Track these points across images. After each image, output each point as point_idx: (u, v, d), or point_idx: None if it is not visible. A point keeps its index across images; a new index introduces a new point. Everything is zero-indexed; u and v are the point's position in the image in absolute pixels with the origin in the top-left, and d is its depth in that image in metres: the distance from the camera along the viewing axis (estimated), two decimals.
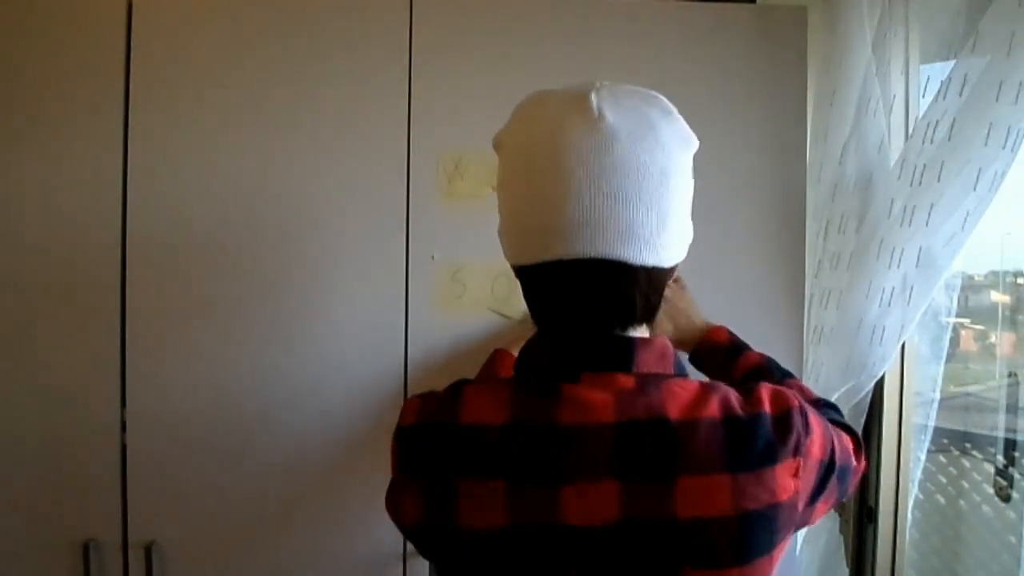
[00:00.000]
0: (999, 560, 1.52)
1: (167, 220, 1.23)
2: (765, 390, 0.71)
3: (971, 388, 1.70)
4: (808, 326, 1.38)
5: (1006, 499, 1.51)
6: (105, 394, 1.21)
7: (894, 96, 1.34)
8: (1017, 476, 1.50)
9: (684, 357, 0.98)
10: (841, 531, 1.46)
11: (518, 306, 1.23)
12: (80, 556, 1.19)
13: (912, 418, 1.43)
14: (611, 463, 0.66)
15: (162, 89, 1.22)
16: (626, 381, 0.69)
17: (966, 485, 1.61)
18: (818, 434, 0.72)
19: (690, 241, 0.76)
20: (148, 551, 1.20)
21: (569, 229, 0.67)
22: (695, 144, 0.75)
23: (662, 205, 0.69)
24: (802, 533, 1.46)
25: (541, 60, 1.29)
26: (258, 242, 1.25)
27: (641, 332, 0.74)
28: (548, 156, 0.68)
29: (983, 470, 1.58)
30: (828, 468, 0.73)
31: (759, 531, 0.67)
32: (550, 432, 0.67)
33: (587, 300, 0.70)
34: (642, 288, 0.70)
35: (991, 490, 1.54)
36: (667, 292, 0.84)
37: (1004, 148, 1.14)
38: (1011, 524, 1.50)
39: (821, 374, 1.35)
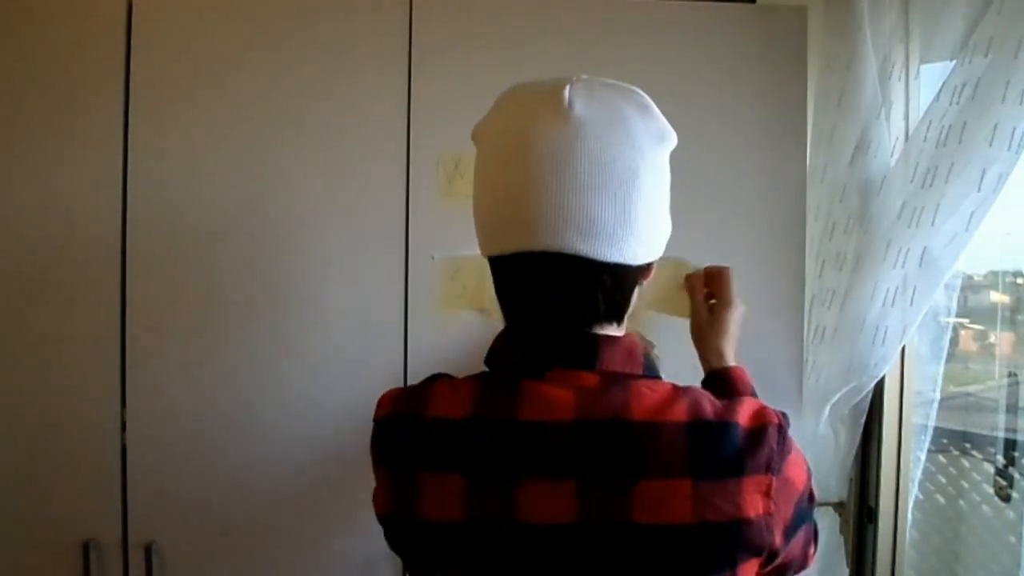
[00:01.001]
0: (999, 560, 1.52)
1: (167, 220, 1.23)
2: (747, 403, 0.69)
3: (971, 388, 1.70)
4: (809, 326, 1.38)
5: (1006, 499, 1.51)
6: (105, 394, 1.21)
7: (896, 97, 1.34)
8: (1017, 476, 1.50)
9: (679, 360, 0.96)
10: (841, 531, 1.46)
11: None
12: (80, 556, 1.19)
13: (912, 418, 1.43)
14: (569, 462, 0.65)
15: (162, 89, 1.22)
16: (589, 379, 0.68)
17: (966, 485, 1.61)
18: (798, 462, 0.69)
19: (666, 238, 0.74)
20: (148, 551, 1.20)
21: (532, 221, 0.66)
22: (671, 140, 0.73)
23: (629, 201, 0.67)
24: None
25: (541, 60, 1.28)
26: (258, 242, 1.24)
27: (610, 330, 0.72)
28: (517, 147, 0.68)
29: (983, 470, 1.58)
30: (805, 509, 0.70)
31: (720, 546, 0.63)
32: (508, 428, 0.67)
33: (550, 295, 0.69)
34: (605, 285, 0.69)
35: (991, 490, 1.54)
36: (735, 316, 0.86)
37: (1008, 149, 1.13)
38: (1011, 524, 1.50)
39: (822, 374, 1.35)
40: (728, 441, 0.65)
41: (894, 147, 1.31)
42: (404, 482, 0.69)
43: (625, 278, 0.70)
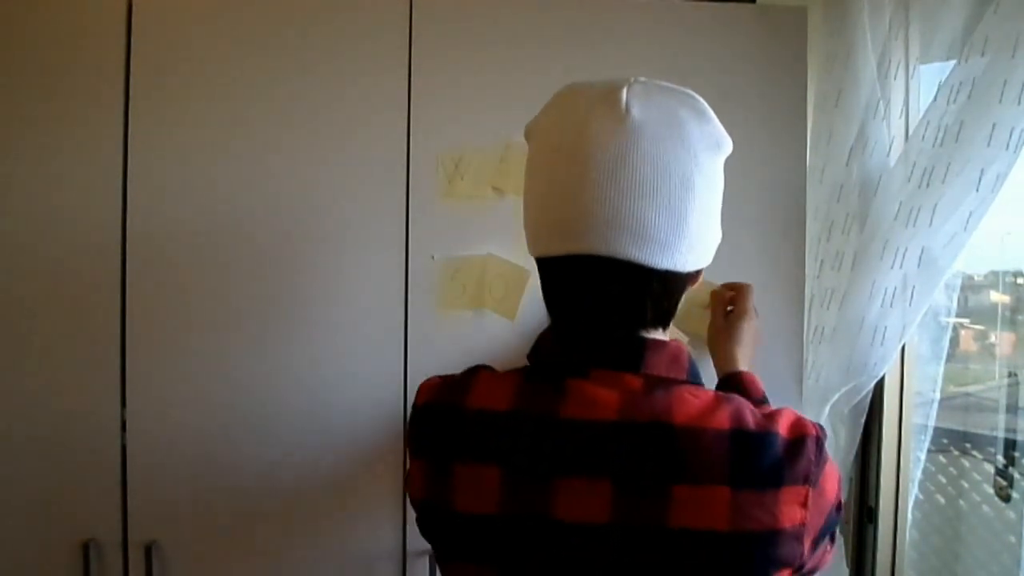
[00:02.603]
0: (999, 560, 1.52)
1: (167, 220, 1.23)
2: (787, 413, 0.69)
3: (971, 388, 1.70)
4: (809, 326, 1.38)
5: (1006, 499, 1.51)
6: (105, 394, 1.21)
7: (895, 97, 1.34)
8: (1017, 476, 1.50)
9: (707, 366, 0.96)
10: (841, 531, 1.46)
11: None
12: (80, 556, 1.19)
13: (912, 418, 1.43)
14: (607, 462, 0.65)
15: (162, 89, 1.22)
16: (634, 382, 0.68)
17: (966, 485, 1.61)
18: (832, 473, 0.70)
19: (716, 245, 0.74)
20: (148, 551, 1.20)
21: (584, 224, 0.66)
22: (727, 147, 0.73)
23: (682, 208, 0.66)
24: None
25: (541, 60, 1.29)
26: (258, 242, 1.24)
27: (656, 334, 0.72)
28: (570, 147, 0.67)
29: (983, 470, 1.58)
30: (834, 519, 0.70)
31: (754, 556, 0.63)
32: (549, 423, 0.67)
33: (598, 300, 0.69)
34: (654, 292, 0.69)
35: (991, 490, 1.54)
36: (749, 327, 0.87)
37: (1007, 149, 1.13)
38: (1011, 524, 1.50)
39: (822, 374, 1.35)
40: (769, 451, 0.65)
41: (891, 147, 1.31)
42: (440, 471, 0.69)
43: (675, 285, 0.71)
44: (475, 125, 1.25)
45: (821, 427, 0.70)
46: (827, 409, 1.35)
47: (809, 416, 1.35)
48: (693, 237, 0.68)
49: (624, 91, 0.68)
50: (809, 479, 0.65)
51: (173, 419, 1.23)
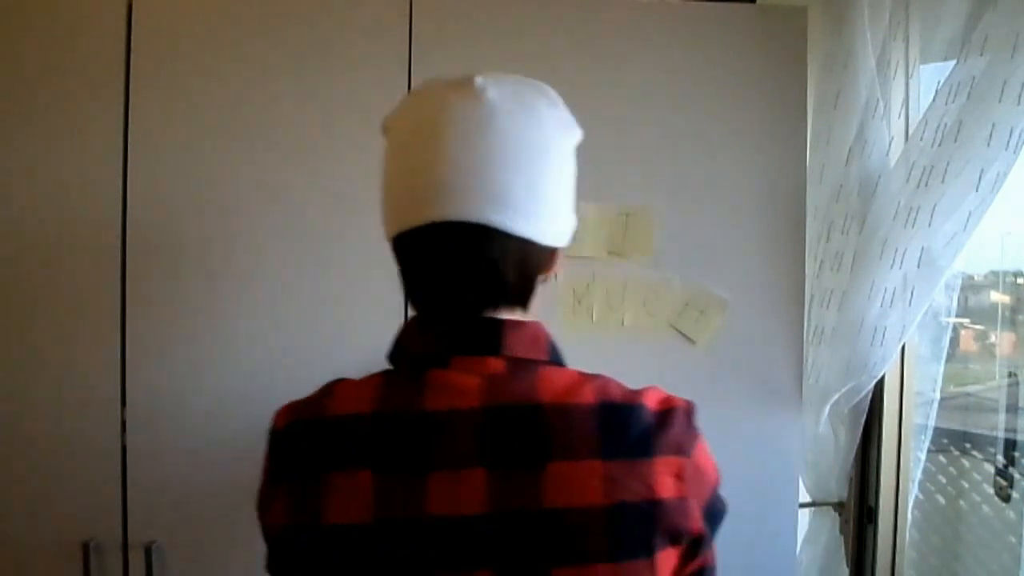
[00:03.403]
0: (999, 560, 1.53)
1: (167, 219, 1.23)
2: (654, 389, 0.69)
3: (971, 388, 1.70)
4: (808, 326, 1.38)
5: (1006, 499, 1.51)
6: (105, 394, 1.21)
7: (895, 97, 1.34)
8: (1017, 476, 1.50)
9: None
10: (841, 531, 1.46)
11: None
12: (80, 556, 1.19)
13: (912, 418, 1.43)
14: (478, 450, 0.63)
15: (161, 87, 1.22)
16: (496, 365, 0.67)
17: (966, 485, 1.61)
18: (707, 452, 0.69)
19: (571, 228, 0.74)
20: (148, 551, 1.20)
21: (440, 191, 0.66)
22: (577, 132, 0.74)
23: (537, 175, 0.67)
24: (802, 532, 1.47)
25: (541, 58, 1.29)
26: (258, 240, 1.24)
27: (515, 315, 0.71)
28: (427, 129, 0.68)
29: (983, 470, 1.58)
30: (720, 506, 0.69)
31: (633, 527, 0.62)
32: (416, 419, 0.65)
33: (456, 272, 0.68)
34: (514, 258, 0.68)
35: (991, 490, 1.55)
36: None
37: (1006, 149, 1.14)
38: (1011, 524, 1.50)
39: (821, 374, 1.35)
40: (637, 422, 0.65)
41: (891, 147, 1.31)
42: (307, 488, 0.65)
43: (533, 257, 0.70)
44: None
45: (690, 402, 0.70)
46: (827, 409, 1.35)
47: (810, 416, 1.37)
48: (549, 207, 0.69)
49: (478, 78, 0.70)
50: (682, 449, 0.66)
51: (173, 420, 1.23)
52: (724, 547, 1.43)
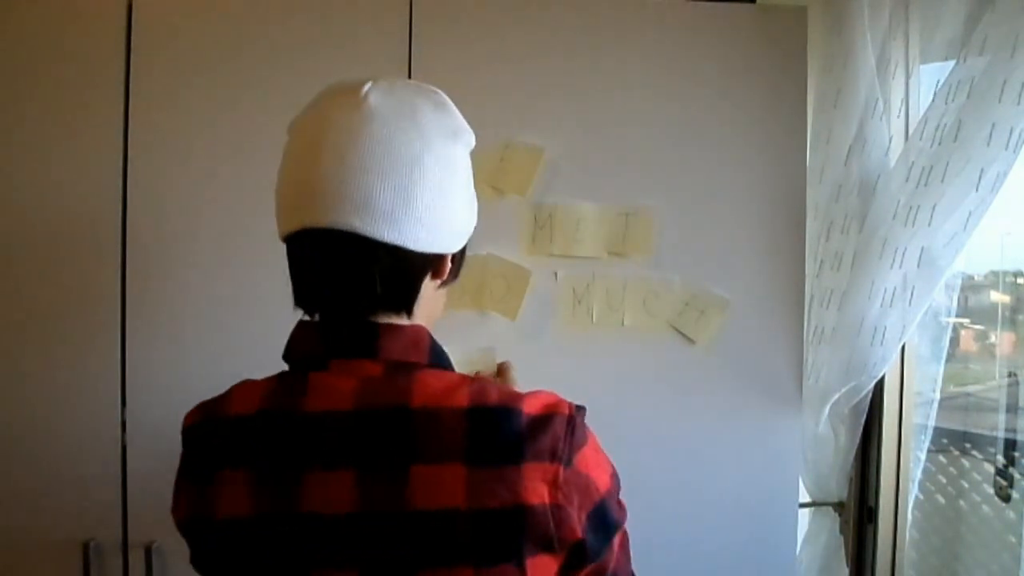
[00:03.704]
0: (999, 560, 1.52)
1: (167, 218, 1.23)
2: (542, 394, 0.68)
3: (971, 388, 1.70)
4: (809, 326, 1.38)
5: (1006, 499, 1.51)
6: (105, 394, 1.21)
7: (895, 97, 1.34)
8: (1017, 476, 1.50)
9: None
10: (841, 531, 1.46)
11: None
12: (80, 556, 1.19)
13: (912, 418, 1.43)
14: (348, 451, 0.65)
15: (161, 85, 1.22)
16: (373, 368, 0.68)
17: (966, 485, 1.61)
18: (600, 463, 0.69)
19: (460, 232, 0.74)
20: (148, 551, 1.20)
21: (310, 198, 0.68)
22: (467, 138, 0.75)
23: (410, 185, 0.68)
24: (802, 532, 1.47)
25: (541, 58, 1.29)
26: (258, 240, 1.24)
27: (395, 319, 0.72)
28: (311, 134, 0.71)
29: (983, 470, 1.58)
30: (614, 515, 0.69)
31: (498, 532, 0.62)
32: (293, 420, 0.67)
33: (329, 275, 0.70)
34: (383, 266, 0.68)
35: (991, 490, 1.55)
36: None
37: (1006, 149, 1.14)
38: (1011, 524, 1.50)
39: (821, 374, 1.35)
40: (507, 426, 0.64)
41: (890, 146, 1.31)
42: (203, 483, 0.69)
43: (407, 264, 0.70)
44: (474, 124, 1.24)
45: (580, 408, 0.68)
46: (827, 409, 1.35)
47: (809, 416, 1.37)
48: (422, 214, 0.68)
49: (367, 85, 0.71)
50: (557, 456, 0.64)
51: (173, 420, 1.22)
52: (724, 547, 1.43)
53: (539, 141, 1.28)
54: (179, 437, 1.21)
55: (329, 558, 0.64)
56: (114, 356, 1.21)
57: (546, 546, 0.64)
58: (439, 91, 0.75)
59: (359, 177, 0.67)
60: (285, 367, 0.71)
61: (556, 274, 1.31)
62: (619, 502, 0.71)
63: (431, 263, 0.72)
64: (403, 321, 0.72)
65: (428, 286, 0.73)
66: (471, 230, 0.76)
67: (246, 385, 0.74)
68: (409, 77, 1.25)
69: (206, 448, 0.71)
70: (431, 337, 0.72)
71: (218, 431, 0.71)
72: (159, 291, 1.22)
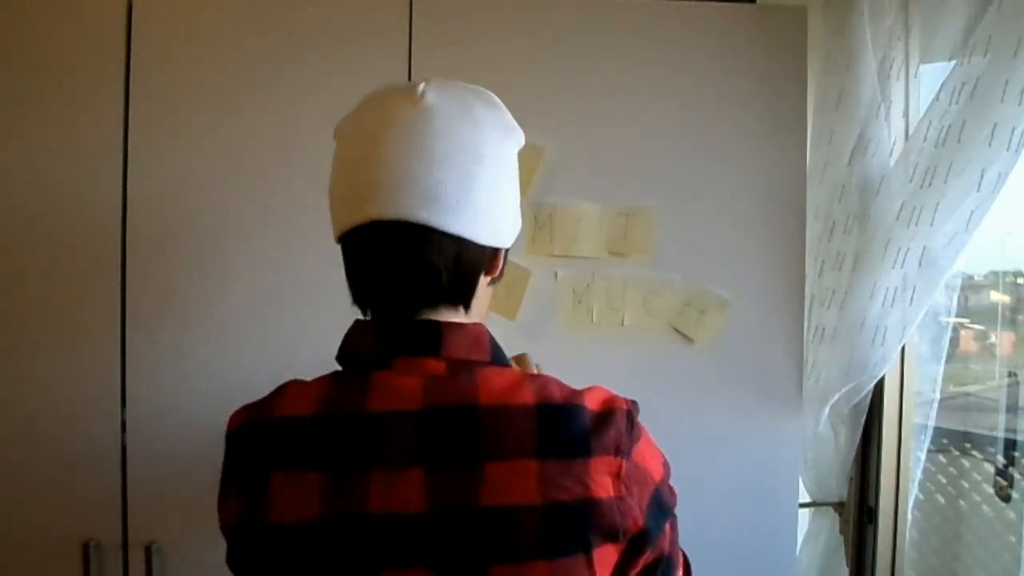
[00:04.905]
0: (999, 560, 1.53)
1: (167, 217, 1.23)
2: (598, 390, 0.70)
3: (971, 388, 1.70)
4: (809, 326, 1.38)
5: (1006, 499, 1.51)
6: (105, 394, 1.21)
7: (897, 97, 1.34)
8: (1017, 476, 1.50)
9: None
10: (841, 531, 1.46)
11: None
12: (80, 556, 1.19)
13: (912, 418, 1.43)
14: (416, 450, 0.65)
15: (161, 86, 1.22)
16: (436, 366, 0.69)
17: (966, 485, 1.61)
18: (654, 454, 0.71)
19: (513, 230, 0.76)
20: (148, 551, 1.20)
21: (373, 191, 0.68)
22: (519, 136, 0.76)
23: (469, 177, 0.69)
24: (802, 532, 1.47)
25: (541, 58, 1.29)
26: (258, 240, 1.24)
27: (455, 316, 0.73)
28: (368, 133, 0.71)
29: (983, 470, 1.58)
30: (667, 502, 0.71)
31: (569, 525, 0.64)
32: (358, 420, 0.67)
33: (394, 269, 0.70)
34: (447, 257, 0.69)
35: (991, 490, 1.55)
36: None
37: (1008, 149, 1.14)
38: (1011, 524, 1.50)
39: (822, 374, 1.35)
40: (575, 422, 0.66)
41: (892, 147, 1.31)
42: (256, 487, 0.68)
43: (468, 256, 0.71)
44: None
45: (635, 403, 0.71)
46: (827, 409, 1.35)
47: (810, 416, 1.37)
48: (483, 207, 0.70)
49: (421, 84, 0.72)
50: (620, 450, 0.67)
51: (173, 419, 1.23)
52: (724, 547, 1.43)
53: (539, 141, 1.28)
54: (179, 437, 1.22)
55: (400, 557, 0.64)
56: (114, 356, 1.21)
57: (611, 537, 0.65)
58: (488, 91, 0.76)
59: (424, 170, 0.68)
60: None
61: (556, 274, 1.31)
62: (670, 488, 0.73)
63: (488, 258, 0.74)
64: (462, 318, 0.73)
65: (482, 282, 0.75)
66: (519, 227, 0.77)
67: (295, 386, 0.73)
68: (409, 77, 1.25)
69: (256, 451, 0.69)
70: (490, 335, 0.73)
71: (269, 434, 0.69)
72: (159, 291, 1.22)
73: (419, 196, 0.67)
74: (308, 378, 0.76)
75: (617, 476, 0.66)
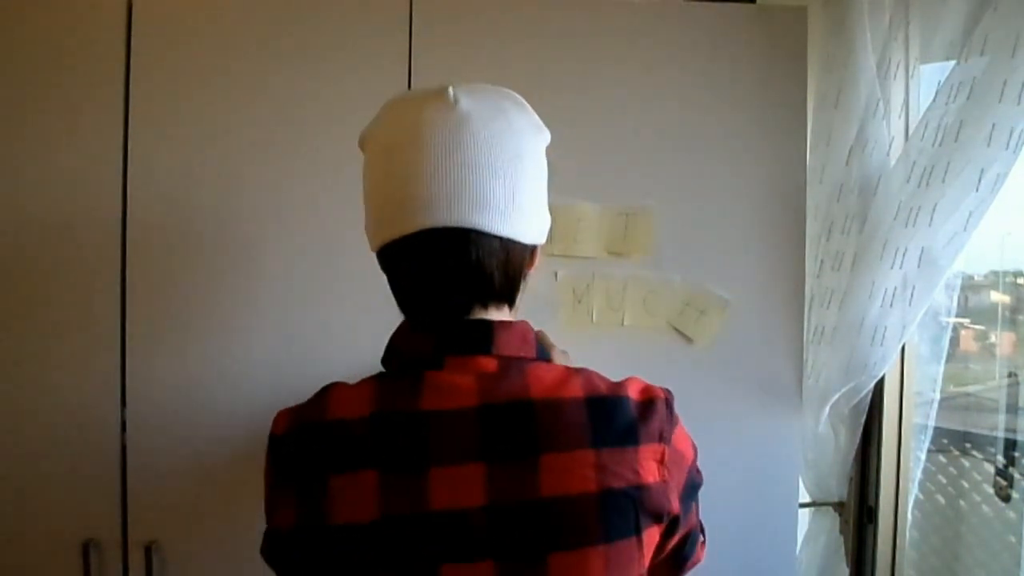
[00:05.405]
0: (999, 560, 1.53)
1: (167, 217, 1.23)
2: (634, 380, 0.74)
3: (971, 388, 1.70)
4: (809, 326, 1.38)
5: (1006, 499, 1.51)
6: (105, 394, 1.21)
7: (896, 97, 1.34)
8: (1017, 476, 1.50)
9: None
10: (841, 531, 1.46)
11: None
12: (80, 556, 1.19)
13: (912, 418, 1.43)
14: (475, 446, 0.67)
15: (161, 86, 1.22)
16: (488, 364, 0.71)
17: (966, 485, 1.61)
18: (684, 434, 0.75)
19: (547, 227, 0.78)
20: (148, 551, 1.20)
21: (427, 199, 0.69)
22: (546, 134, 0.78)
23: (514, 179, 0.71)
24: (802, 532, 1.47)
25: (540, 59, 1.29)
26: (258, 240, 1.24)
27: (501, 314, 0.75)
28: (406, 140, 0.72)
29: (983, 470, 1.58)
30: (695, 481, 0.76)
31: (622, 510, 0.67)
32: (413, 419, 0.68)
33: (446, 273, 0.71)
34: (498, 258, 0.72)
35: (991, 490, 1.55)
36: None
37: (1007, 149, 1.14)
38: (1011, 524, 1.50)
39: (822, 374, 1.35)
40: (623, 413, 0.70)
41: (891, 147, 1.31)
42: (312, 490, 0.68)
43: (516, 256, 0.74)
44: None
45: (669, 391, 0.74)
46: (827, 409, 1.35)
47: (809, 416, 1.37)
48: (526, 207, 0.73)
49: (450, 89, 0.73)
50: (663, 437, 0.71)
51: (173, 419, 1.23)
52: (724, 547, 1.43)
53: None
54: (179, 437, 1.22)
55: (461, 552, 0.66)
56: (114, 356, 1.21)
57: (657, 519, 0.70)
58: (512, 91, 0.78)
59: (472, 175, 0.70)
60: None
61: (556, 274, 1.31)
62: (698, 468, 0.78)
63: (529, 255, 0.76)
64: (507, 315, 0.76)
65: (524, 279, 0.77)
66: (550, 222, 0.80)
67: (341, 389, 0.74)
68: (409, 77, 1.25)
69: (309, 454, 0.70)
70: (534, 331, 0.76)
71: (321, 437, 0.70)
72: (159, 291, 1.22)
73: (470, 203, 0.69)
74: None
75: (661, 462, 0.70)
